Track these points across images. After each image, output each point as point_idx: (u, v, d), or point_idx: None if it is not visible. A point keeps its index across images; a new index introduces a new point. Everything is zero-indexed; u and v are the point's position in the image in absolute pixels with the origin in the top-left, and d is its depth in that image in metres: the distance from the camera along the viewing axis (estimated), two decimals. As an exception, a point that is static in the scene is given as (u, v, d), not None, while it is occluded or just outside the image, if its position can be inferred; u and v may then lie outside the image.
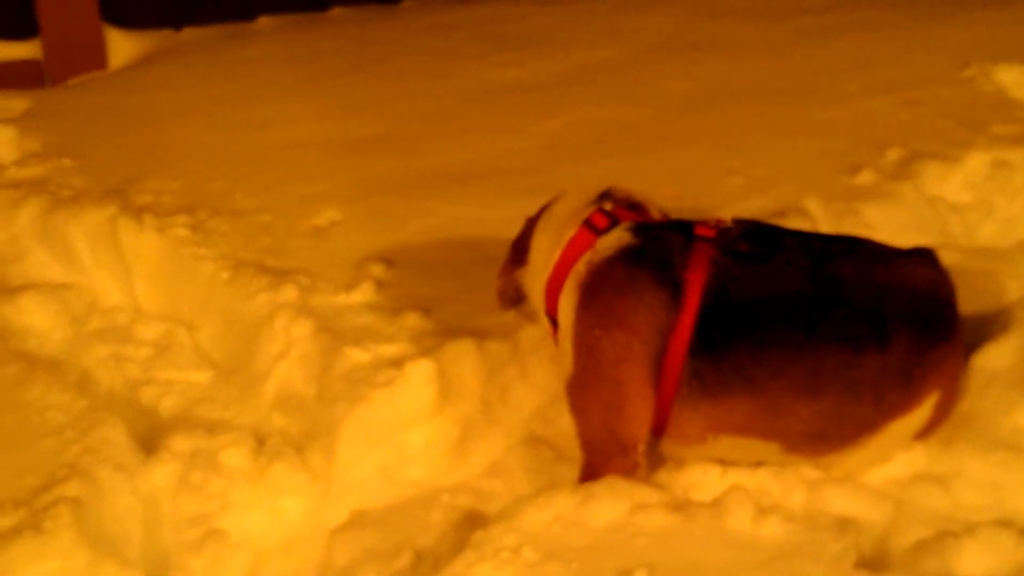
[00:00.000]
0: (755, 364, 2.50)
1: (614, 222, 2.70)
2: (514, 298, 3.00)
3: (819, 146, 4.03)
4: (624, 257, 2.61)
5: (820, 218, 3.50)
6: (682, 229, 2.65)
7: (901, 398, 2.54)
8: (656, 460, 2.78)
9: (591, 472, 2.67)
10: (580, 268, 2.66)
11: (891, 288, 2.55)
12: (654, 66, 4.90)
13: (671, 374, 2.54)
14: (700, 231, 2.63)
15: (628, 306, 2.57)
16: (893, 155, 3.89)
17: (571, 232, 2.72)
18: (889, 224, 3.50)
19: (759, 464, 2.69)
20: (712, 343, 2.52)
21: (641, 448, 2.65)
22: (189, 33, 5.78)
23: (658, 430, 2.64)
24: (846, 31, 5.16)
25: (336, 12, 6.11)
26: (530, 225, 2.92)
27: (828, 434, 2.56)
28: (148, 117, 4.69)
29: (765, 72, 4.78)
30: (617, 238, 2.65)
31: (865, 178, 3.76)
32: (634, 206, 2.81)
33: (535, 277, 2.83)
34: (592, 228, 2.70)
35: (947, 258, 3.29)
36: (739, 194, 3.68)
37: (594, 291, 2.62)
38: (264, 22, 5.97)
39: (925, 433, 2.65)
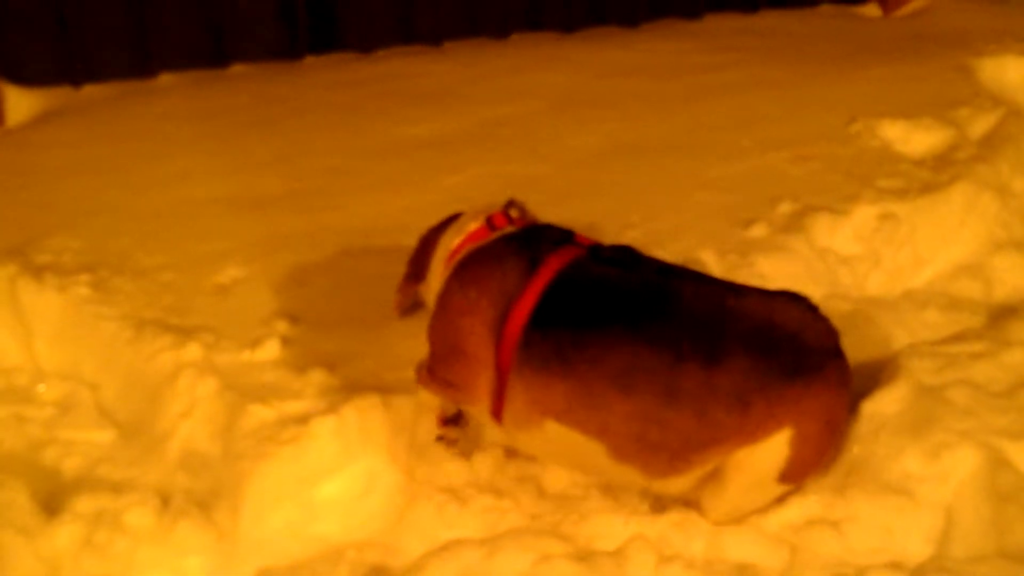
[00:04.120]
0: (573, 346, 2.63)
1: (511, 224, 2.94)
2: (410, 308, 3.20)
3: (714, 200, 4.13)
4: (500, 240, 2.86)
5: (715, 270, 3.58)
6: (564, 234, 2.88)
7: (734, 421, 2.56)
8: (561, 510, 2.83)
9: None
10: (462, 253, 2.89)
11: (737, 314, 2.63)
12: (554, 123, 4.99)
13: (509, 339, 2.68)
14: (579, 239, 2.86)
15: (485, 269, 2.79)
16: (785, 208, 4.00)
17: (473, 227, 2.94)
18: (782, 275, 3.58)
19: (660, 512, 2.75)
20: (545, 320, 2.67)
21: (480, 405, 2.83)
22: (89, 90, 5.70)
23: (498, 408, 2.77)
24: (738, 89, 5.29)
25: (237, 68, 6.07)
26: (427, 241, 3.09)
27: (651, 440, 2.59)
28: (48, 175, 4.63)
29: (661, 128, 4.88)
30: (504, 231, 2.90)
31: (758, 231, 3.86)
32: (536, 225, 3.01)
33: (435, 278, 2.99)
34: (490, 225, 2.93)
35: (838, 308, 3.40)
36: (637, 247, 3.74)
37: (464, 263, 2.86)
38: (165, 79, 5.92)
39: (796, 476, 2.68)
